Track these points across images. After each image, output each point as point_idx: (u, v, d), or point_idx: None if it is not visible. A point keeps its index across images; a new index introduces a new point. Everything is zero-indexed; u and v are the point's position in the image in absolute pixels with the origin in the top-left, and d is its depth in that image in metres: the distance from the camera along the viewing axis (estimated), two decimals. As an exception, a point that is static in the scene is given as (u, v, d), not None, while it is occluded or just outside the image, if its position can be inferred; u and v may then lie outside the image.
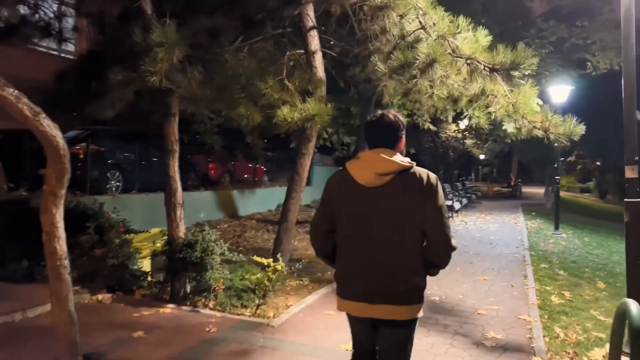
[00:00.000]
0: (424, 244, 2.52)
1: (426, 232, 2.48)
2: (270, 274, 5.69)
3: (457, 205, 19.63)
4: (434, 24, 4.49)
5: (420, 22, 4.60)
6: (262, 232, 12.07)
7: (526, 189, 40.32)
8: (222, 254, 5.94)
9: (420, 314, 2.57)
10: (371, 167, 2.47)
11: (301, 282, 7.22)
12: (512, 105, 5.00)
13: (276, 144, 17.18)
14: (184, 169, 12.82)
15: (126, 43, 4.94)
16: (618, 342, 3.24)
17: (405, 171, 2.48)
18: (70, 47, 11.54)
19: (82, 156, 10.51)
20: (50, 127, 3.48)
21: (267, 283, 5.69)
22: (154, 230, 6.79)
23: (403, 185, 2.45)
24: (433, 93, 5.34)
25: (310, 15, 6.19)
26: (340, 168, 2.69)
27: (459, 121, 23.26)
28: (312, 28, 6.33)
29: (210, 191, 13.59)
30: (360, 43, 7.22)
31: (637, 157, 4.59)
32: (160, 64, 4.29)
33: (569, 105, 13.07)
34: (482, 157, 40.86)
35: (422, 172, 2.50)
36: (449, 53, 4.37)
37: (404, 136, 2.63)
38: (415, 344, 2.72)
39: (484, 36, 4.75)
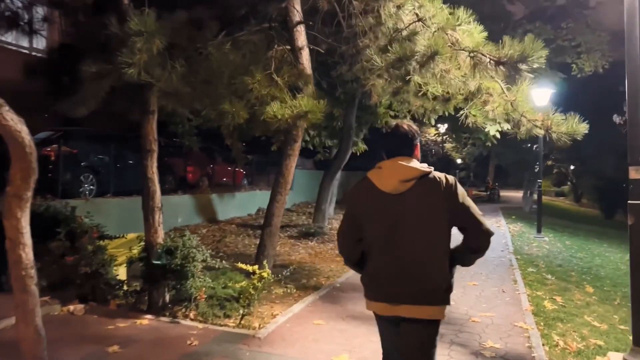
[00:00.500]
0: (462, 237, 2.66)
1: (461, 227, 2.64)
2: (255, 281, 5.36)
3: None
4: (432, 17, 4.23)
5: (416, 14, 4.34)
6: (243, 237, 11.70)
7: (503, 193, 40.58)
8: (204, 260, 5.58)
9: (444, 316, 2.64)
10: (394, 174, 2.62)
11: (287, 290, 6.89)
12: (511, 103, 4.78)
13: (256, 146, 16.82)
14: (160, 171, 12.35)
15: (101, 34, 4.59)
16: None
17: (425, 176, 2.62)
18: (44, 44, 11.02)
19: (53, 158, 10.02)
20: (14, 122, 3.11)
21: (252, 292, 5.36)
22: (130, 236, 6.38)
23: (425, 190, 2.60)
24: (427, 91, 5.07)
25: (297, 9, 5.89)
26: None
27: (439, 125, 23.27)
28: (299, 23, 6.03)
29: (188, 195, 13.16)
30: (348, 40, 6.96)
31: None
32: (138, 55, 3.94)
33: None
34: (459, 160, 41.04)
35: (440, 175, 2.66)
36: (450, 46, 4.11)
37: (419, 144, 2.80)
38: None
39: (479, 32, 4.54)
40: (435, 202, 2.57)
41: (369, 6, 4.45)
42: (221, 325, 5.34)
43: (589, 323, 6.36)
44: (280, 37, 5.58)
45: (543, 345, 5.18)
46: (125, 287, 5.91)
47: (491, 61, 4.04)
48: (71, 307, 5.50)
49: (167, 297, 5.66)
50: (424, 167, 2.64)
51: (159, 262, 5.31)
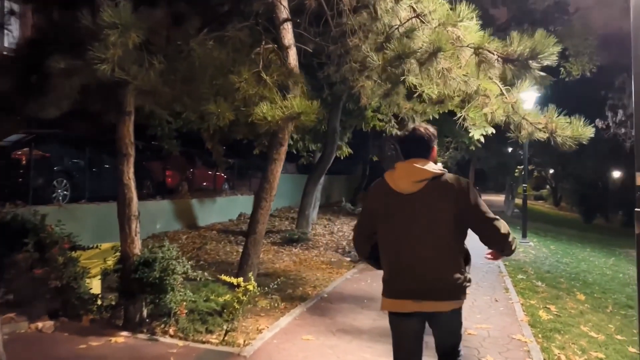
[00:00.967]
0: (479, 238, 2.75)
1: (475, 229, 2.72)
2: (240, 295, 5.01)
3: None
4: (431, 12, 3.95)
5: (413, 8, 4.06)
6: (224, 243, 11.28)
7: (484, 197, 40.70)
8: (184, 273, 5.20)
9: (463, 302, 2.79)
10: (406, 175, 2.73)
11: (272, 301, 6.53)
12: (512, 105, 4.52)
13: (237, 150, 16.42)
14: (138, 176, 11.85)
15: (73, 29, 4.21)
16: None
17: (437, 178, 2.71)
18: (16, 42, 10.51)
19: (24, 162, 9.53)
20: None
21: (236, 306, 5.00)
22: (105, 246, 5.96)
23: (436, 190, 2.69)
24: (423, 92, 4.79)
25: (284, 5, 5.57)
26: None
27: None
28: (286, 20, 5.71)
29: (167, 200, 12.69)
30: (336, 40, 6.66)
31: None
32: (112, 50, 3.58)
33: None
34: (439, 164, 40.89)
35: (452, 177, 2.74)
36: (451, 43, 3.83)
37: (435, 146, 2.89)
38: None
39: (476, 31, 4.28)
40: (446, 203, 2.66)
41: (362, 2, 4.16)
42: (203, 342, 4.97)
43: (586, 334, 6.16)
44: (267, 34, 5.24)
45: (544, 360, 4.94)
46: (99, 302, 5.50)
47: (499, 58, 3.78)
48: (40, 324, 5.07)
49: (145, 312, 5.26)
50: (437, 169, 2.73)
51: (136, 276, 4.93)
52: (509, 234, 2.71)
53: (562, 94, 17.98)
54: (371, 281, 8.22)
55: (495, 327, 5.93)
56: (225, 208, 15.01)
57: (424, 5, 4.09)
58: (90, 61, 3.70)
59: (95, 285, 5.77)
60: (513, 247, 2.78)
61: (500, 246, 2.77)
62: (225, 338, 5.04)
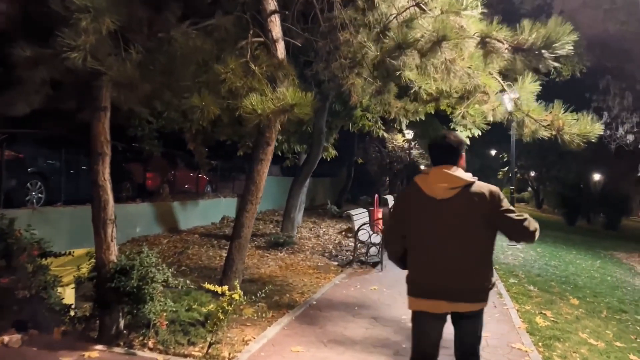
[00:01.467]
0: (508, 237, 3.02)
1: (505, 231, 2.93)
2: (225, 304, 4.66)
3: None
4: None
5: (413, -3, 3.77)
6: (207, 247, 10.89)
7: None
8: (164, 281, 4.84)
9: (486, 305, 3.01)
10: (440, 181, 2.88)
11: (258, 309, 6.18)
12: (515, 102, 4.26)
13: (220, 151, 16.03)
14: (118, 178, 11.40)
15: (41, 14, 3.84)
16: None
17: (470, 185, 2.89)
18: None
19: (-5, 164, 9.05)
20: None
21: (221, 316, 4.65)
22: (79, 252, 5.55)
23: (469, 197, 2.85)
24: (420, 88, 4.51)
25: (271, -4, 5.25)
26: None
27: (407, 131, 22.93)
28: (274, 12, 5.39)
29: (148, 203, 12.25)
30: (325, 35, 6.36)
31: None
32: (84, 37, 3.23)
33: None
34: (422, 167, 40.97)
35: (483, 185, 2.92)
36: (455, 32, 3.54)
37: (464, 153, 3.05)
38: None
39: (480, 20, 4.02)
40: (478, 210, 2.83)
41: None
42: (185, 356, 4.62)
43: (586, 341, 5.93)
44: (254, 25, 4.91)
45: (548, 371, 4.68)
46: (72, 313, 5.09)
47: (509, 48, 3.51)
48: (6, 338, 4.65)
49: (122, 324, 4.89)
50: (469, 176, 2.91)
51: (112, 285, 4.55)
52: (536, 230, 2.88)
53: (545, 97, 17.95)
54: (360, 286, 7.92)
55: (493, 335, 5.66)
56: (208, 211, 14.62)
57: (423, -6, 3.82)
58: (60, 49, 3.35)
59: (68, 295, 5.36)
60: (536, 237, 2.95)
61: (526, 241, 2.99)
62: (209, 351, 4.69)
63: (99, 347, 4.65)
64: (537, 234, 2.91)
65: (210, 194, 16.53)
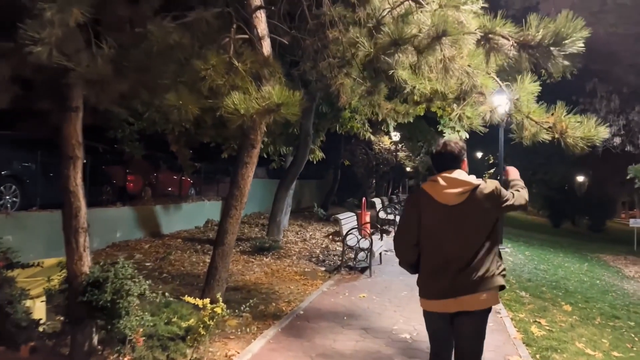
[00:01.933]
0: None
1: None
2: (206, 319, 4.36)
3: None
4: (429, -7, 3.41)
5: (409, -10, 3.51)
6: (190, 253, 10.54)
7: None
8: (141, 294, 4.51)
9: (497, 303, 3.15)
10: (451, 187, 2.95)
11: (242, 321, 5.87)
12: (514, 103, 4.03)
13: (204, 153, 15.65)
14: (97, 181, 10.93)
15: (3, 5, 3.52)
16: None
17: (476, 188, 2.97)
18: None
19: (-34, 166, 8.64)
20: None
21: (202, 332, 4.35)
22: (49, 262, 5.19)
23: (478, 200, 2.96)
24: (414, 88, 4.25)
25: (256, -10, 4.96)
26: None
27: (394, 133, 22.76)
28: (259, 8, 5.10)
29: (129, 207, 11.85)
30: (313, 33, 6.09)
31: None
32: (49, 29, 2.91)
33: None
34: (408, 169, 40.82)
35: (488, 186, 3.00)
36: (455, 28, 3.29)
37: (465, 159, 3.14)
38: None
39: (481, 15, 3.79)
40: (487, 212, 2.97)
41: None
42: (163, 374, 4.31)
43: (583, 351, 5.72)
44: (238, 20, 4.61)
45: (549, 386, 4.45)
46: (41, 328, 4.74)
47: (514, 44, 3.27)
48: (-32, 357, 4.32)
49: (95, 339, 4.55)
50: (475, 179, 2.99)
51: (84, 298, 4.22)
52: (527, 201, 3.15)
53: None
54: (349, 294, 7.65)
55: (489, 347, 5.40)
56: (192, 215, 14.26)
57: (420, -13, 3.56)
58: (22, 43, 3.02)
59: (38, 308, 5.01)
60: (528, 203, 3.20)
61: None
62: (189, 368, 4.39)
63: (70, 365, 4.32)
64: (527, 199, 3.14)
65: (194, 197, 16.15)
